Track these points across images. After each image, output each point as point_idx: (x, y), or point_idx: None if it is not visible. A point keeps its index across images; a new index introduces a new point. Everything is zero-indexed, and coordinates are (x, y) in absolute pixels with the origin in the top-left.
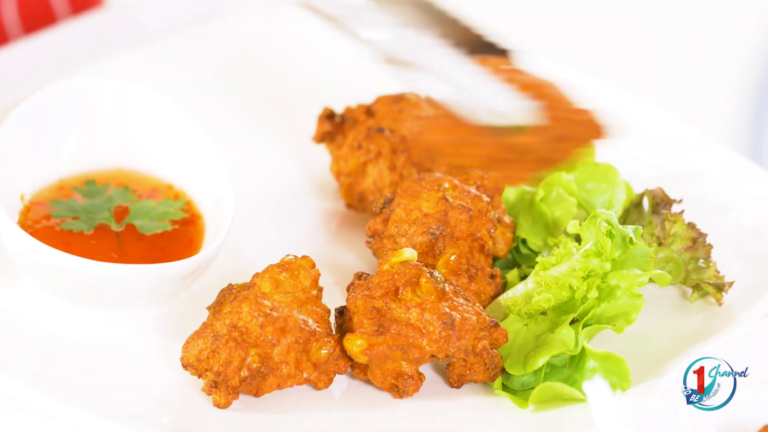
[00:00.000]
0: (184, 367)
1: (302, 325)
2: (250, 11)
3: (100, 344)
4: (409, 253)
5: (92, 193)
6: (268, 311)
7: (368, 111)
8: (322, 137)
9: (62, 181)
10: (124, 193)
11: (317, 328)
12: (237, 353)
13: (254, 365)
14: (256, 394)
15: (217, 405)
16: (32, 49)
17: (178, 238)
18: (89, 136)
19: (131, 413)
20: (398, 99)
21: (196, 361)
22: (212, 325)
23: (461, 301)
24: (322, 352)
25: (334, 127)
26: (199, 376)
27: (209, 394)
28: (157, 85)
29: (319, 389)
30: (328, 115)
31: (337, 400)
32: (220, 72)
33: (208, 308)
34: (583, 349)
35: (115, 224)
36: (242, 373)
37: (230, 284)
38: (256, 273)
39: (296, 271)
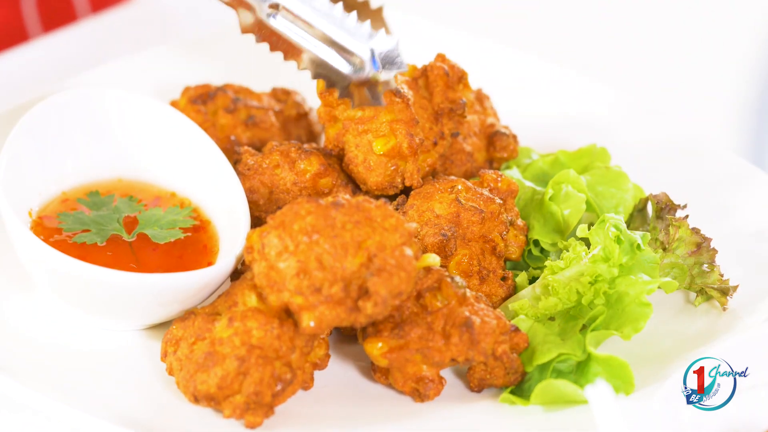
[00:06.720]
0: (197, 401)
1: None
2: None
3: (104, 351)
4: (432, 259)
5: (98, 204)
6: (277, 321)
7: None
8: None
9: (65, 194)
10: (130, 203)
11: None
12: (267, 369)
13: (287, 376)
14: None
15: (252, 426)
16: (55, 46)
17: (193, 245)
18: (89, 147)
19: (138, 421)
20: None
21: (217, 390)
22: (217, 353)
23: (482, 306)
24: (321, 352)
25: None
26: (218, 405)
27: (239, 418)
28: (172, 84)
29: (307, 390)
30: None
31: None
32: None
33: (166, 341)
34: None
35: (126, 235)
36: (276, 388)
37: (190, 311)
38: (227, 291)
39: None
